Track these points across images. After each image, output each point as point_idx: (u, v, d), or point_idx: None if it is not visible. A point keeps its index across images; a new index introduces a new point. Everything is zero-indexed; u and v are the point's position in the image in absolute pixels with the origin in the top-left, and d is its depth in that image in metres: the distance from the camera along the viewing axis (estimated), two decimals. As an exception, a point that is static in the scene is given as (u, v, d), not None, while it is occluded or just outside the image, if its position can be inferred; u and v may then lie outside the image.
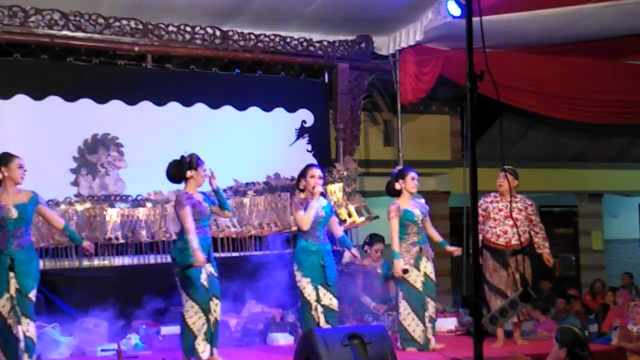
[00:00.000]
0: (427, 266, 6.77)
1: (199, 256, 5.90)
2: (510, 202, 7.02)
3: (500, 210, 7.03)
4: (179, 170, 6.19)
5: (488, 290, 6.99)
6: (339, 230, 6.88)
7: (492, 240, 7.02)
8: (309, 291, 6.41)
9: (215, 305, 6.11)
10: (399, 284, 6.78)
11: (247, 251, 8.27)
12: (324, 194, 6.63)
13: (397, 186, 6.85)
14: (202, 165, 6.21)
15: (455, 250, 6.95)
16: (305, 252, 6.49)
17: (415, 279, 6.70)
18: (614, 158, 12.99)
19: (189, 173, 6.15)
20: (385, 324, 7.40)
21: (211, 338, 6.08)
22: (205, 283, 6.02)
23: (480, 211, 7.15)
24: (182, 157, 6.22)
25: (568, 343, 4.64)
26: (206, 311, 6.03)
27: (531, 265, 7.15)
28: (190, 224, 5.99)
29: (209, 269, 6.11)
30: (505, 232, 7.00)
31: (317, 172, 6.59)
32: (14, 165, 5.81)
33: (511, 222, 6.91)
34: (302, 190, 6.63)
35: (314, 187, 6.48)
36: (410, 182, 6.82)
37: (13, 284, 5.67)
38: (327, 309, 6.42)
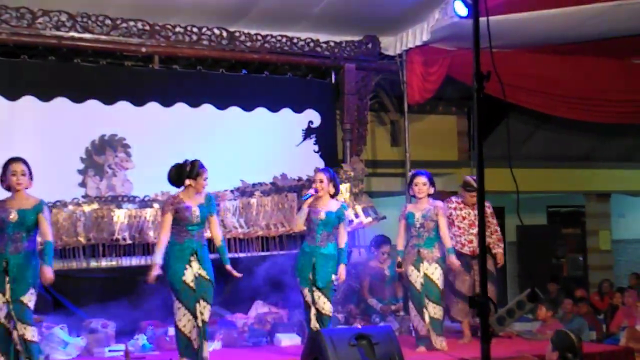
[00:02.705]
0: (429, 268, 6.74)
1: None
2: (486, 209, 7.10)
3: (464, 218, 7.18)
4: (178, 176, 6.05)
5: (450, 293, 7.17)
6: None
7: (456, 248, 7.15)
8: (305, 292, 6.49)
9: (203, 308, 5.87)
10: (407, 286, 6.94)
11: (254, 251, 8.26)
12: (328, 196, 6.59)
13: (412, 192, 6.95)
14: (203, 174, 6.03)
15: (452, 265, 6.79)
16: (301, 253, 6.61)
17: (416, 279, 6.76)
18: (622, 158, 12.94)
19: (187, 182, 6.01)
20: (392, 324, 7.40)
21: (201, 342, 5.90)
22: (192, 284, 5.87)
23: None
24: (185, 162, 6.06)
25: (560, 347, 4.70)
26: (193, 313, 5.86)
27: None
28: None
29: (197, 270, 5.91)
30: (471, 242, 7.22)
31: (318, 175, 6.64)
32: (9, 173, 5.73)
33: (475, 231, 6.96)
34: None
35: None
36: (414, 188, 6.88)
37: (9, 289, 5.64)
38: (319, 313, 6.40)
